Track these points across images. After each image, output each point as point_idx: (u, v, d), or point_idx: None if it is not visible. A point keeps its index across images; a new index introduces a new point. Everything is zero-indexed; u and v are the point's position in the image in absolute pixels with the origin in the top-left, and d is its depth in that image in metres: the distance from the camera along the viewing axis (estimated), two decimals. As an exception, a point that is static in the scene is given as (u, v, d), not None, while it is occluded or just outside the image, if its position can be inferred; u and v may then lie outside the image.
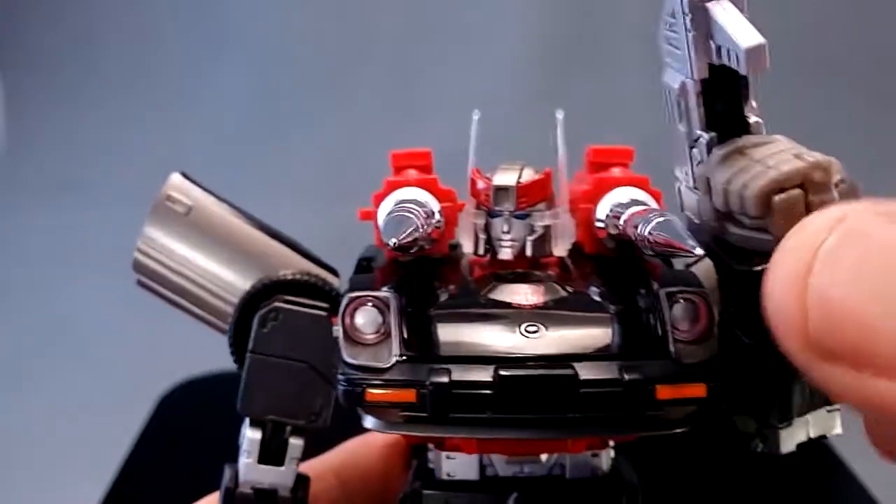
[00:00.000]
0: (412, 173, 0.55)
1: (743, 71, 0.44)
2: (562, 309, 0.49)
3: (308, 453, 0.62)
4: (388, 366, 0.48)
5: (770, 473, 0.91)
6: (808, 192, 0.44)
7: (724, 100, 0.48)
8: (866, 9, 1.75)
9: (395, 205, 0.51)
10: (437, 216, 0.52)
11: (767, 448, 0.50)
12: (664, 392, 0.46)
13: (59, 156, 1.87)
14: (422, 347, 0.48)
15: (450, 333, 0.48)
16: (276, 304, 0.57)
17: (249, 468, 0.57)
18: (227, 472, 0.58)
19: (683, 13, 0.46)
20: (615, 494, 0.54)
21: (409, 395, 0.47)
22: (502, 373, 0.46)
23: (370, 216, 0.53)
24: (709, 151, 0.48)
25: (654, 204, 0.52)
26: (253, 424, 0.58)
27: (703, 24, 0.45)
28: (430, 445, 0.56)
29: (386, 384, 0.48)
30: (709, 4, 0.45)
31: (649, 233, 0.46)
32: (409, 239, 0.47)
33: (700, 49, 0.46)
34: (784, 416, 0.49)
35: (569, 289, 0.51)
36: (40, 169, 1.86)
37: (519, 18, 1.82)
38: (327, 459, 0.68)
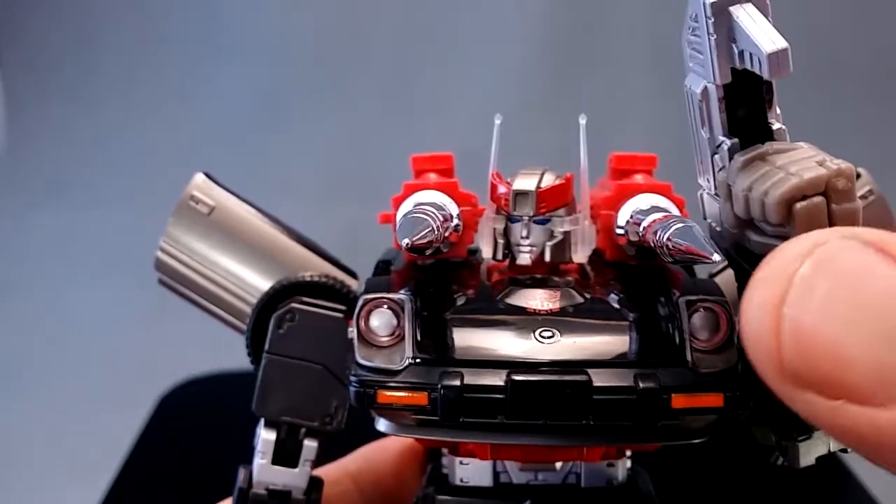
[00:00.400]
0: (432, 177, 0.55)
1: (766, 76, 0.44)
2: (578, 315, 0.49)
3: (326, 458, 0.62)
4: (400, 368, 0.48)
5: (782, 485, 0.91)
6: (831, 200, 0.43)
7: (747, 105, 0.47)
8: (873, 11, 1.74)
9: (413, 207, 0.51)
10: (456, 220, 0.52)
11: (787, 461, 0.50)
12: (679, 401, 0.46)
13: (59, 156, 1.87)
14: (435, 350, 0.48)
15: (464, 337, 0.48)
16: (293, 304, 0.57)
17: (263, 469, 0.57)
18: (241, 473, 0.58)
19: (706, 17, 0.45)
20: None
21: (420, 398, 0.47)
22: (515, 377, 0.46)
23: (389, 219, 0.53)
24: (731, 158, 0.47)
25: (675, 211, 0.51)
26: (268, 425, 0.58)
27: (725, 28, 0.45)
28: (444, 451, 0.56)
29: (398, 386, 0.47)
30: (732, 8, 0.45)
31: (668, 239, 0.46)
32: (424, 240, 0.47)
33: (723, 53, 0.45)
34: (803, 429, 0.48)
35: (586, 295, 0.51)
36: (40, 169, 1.86)
37: (521, 19, 1.82)
38: (344, 464, 0.68)
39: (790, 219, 0.43)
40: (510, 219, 0.53)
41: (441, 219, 0.49)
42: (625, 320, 0.49)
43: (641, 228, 0.49)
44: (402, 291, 0.50)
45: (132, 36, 1.93)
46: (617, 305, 0.50)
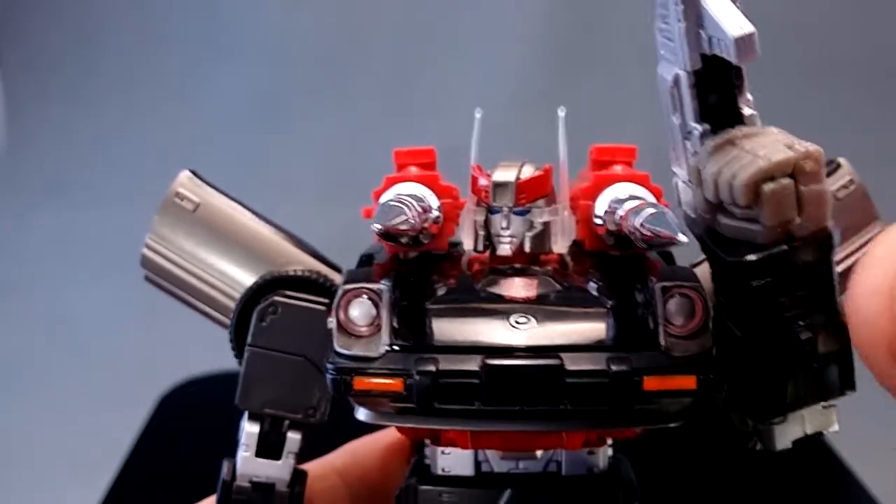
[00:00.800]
0: (413, 170, 0.56)
1: (733, 60, 0.44)
2: (553, 302, 0.50)
3: (312, 455, 0.63)
4: (377, 355, 0.49)
5: (769, 473, 0.91)
6: (799, 182, 0.44)
7: (718, 92, 0.48)
8: (872, 9, 1.74)
9: (392, 196, 0.51)
10: (436, 211, 0.53)
11: (763, 445, 0.50)
12: (651, 383, 0.46)
13: (59, 155, 1.87)
14: (412, 338, 0.49)
15: (441, 325, 0.49)
16: (275, 298, 0.57)
17: (247, 461, 0.58)
18: (225, 466, 0.58)
19: (675, 4, 0.46)
20: (611, 492, 0.53)
21: (396, 384, 0.47)
22: (489, 362, 0.46)
23: (371, 214, 0.53)
24: (702, 143, 0.48)
25: (652, 199, 0.52)
26: (251, 418, 0.58)
27: (693, 15, 0.45)
28: (427, 441, 0.56)
29: (374, 373, 0.48)
30: None
31: (641, 224, 0.47)
32: (397, 226, 0.47)
33: (692, 40, 0.46)
34: (778, 411, 0.48)
35: (564, 283, 0.51)
36: (40, 169, 1.86)
37: (521, 19, 1.82)
38: (330, 459, 0.68)
39: (758, 201, 0.44)
40: (490, 210, 0.53)
41: (420, 209, 0.50)
42: (601, 307, 0.49)
43: (618, 217, 0.50)
44: (381, 282, 0.51)
45: (132, 36, 1.93)
46: (594, 293, 0.51)
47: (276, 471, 0.58)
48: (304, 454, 0.60)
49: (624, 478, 0.55)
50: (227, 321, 0.60)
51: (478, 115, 0.56)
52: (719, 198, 0.46)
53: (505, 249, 0.53)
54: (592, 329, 0.48)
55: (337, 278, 0.59)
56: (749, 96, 0.48)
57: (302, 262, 0.60)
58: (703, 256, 0.53)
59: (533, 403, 0.47)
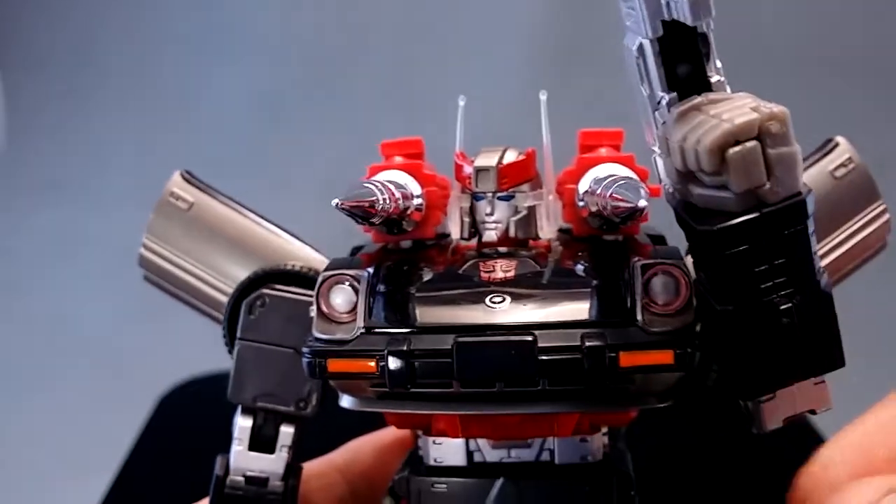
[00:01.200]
0: (398, 160, 0.56)
1: (689, 22, 0.44)
2: (531, 282, 0.49)
3: (313, 455, 0.63)
4: (352, 338, 0.49)
5: (768, 467, 0.91)
6: (766, 144, 0.43)
7: (685, 60, 0.47)
8: (875, 8, 1.74)
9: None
10: (418, 199, 0.53)
11: (755, 426, 0.48)
12: (627, 359, 0.46)
13: (59, 155, 1.87)
14: (387, 320, 0.49)
15: (417, 308, 0.49)
16: (263, 290, 0.58)
17: (240, 456, 0.58)
18: (219, 461, 0.58)
19: None
20: (605, 481, 0.52)
21: (369, 365, 0.47)
22: (460, 340, 0.46)
23: None
24: (670, 112, 0.47)
25: (635, 177, 0.51)
26: (244, 412, 0.58)
27: None
28: (419, 432, 0.56)
29: (347, 354, 0.48)
30: None
31: (610, 196, 0.47)
32: (358, 203, 0.47)
33: (651, 6, 0.45)
34: (765, 388, 0.47)
35: (545, 265, 0.51)
36: (40, 168, 1.86)
37: (521, 19, 1.82)
38: (331, 458, 0.68)
39: (724, 166, 0.43)
40: (475, 196, 0.53)
41: (398, 195, 0.50)
42: (580, 287, 0.49)
43: (596, 196, 0.49)
44: (364, 269, 0.51)
45: (132, 36, 1.93)
46: (575, 274, 0.50)
47: (270, 465, 0.58)
48: (304, 452, 0.60)
49: (618, 467, 0.54)
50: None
51: (461, 103, 0.56)
52: (688, 166, 0.45)
53: (490, 236, 0.53)
54: (569, 308, 0.48)
55: None
56: (718, 63, 0.47)
57: (297, 259, 0.60)
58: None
59: (509, 383, 0.46)
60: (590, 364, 0.45)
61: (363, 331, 0.49)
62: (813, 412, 0.48)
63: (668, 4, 0.44)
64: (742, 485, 0.90)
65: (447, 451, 0.54)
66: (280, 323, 0.57)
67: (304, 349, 0.49)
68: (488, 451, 0.53)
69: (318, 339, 0.49)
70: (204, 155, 1.65)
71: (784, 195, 0.44)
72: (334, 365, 0.48)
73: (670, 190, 0.49)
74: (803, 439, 0.98)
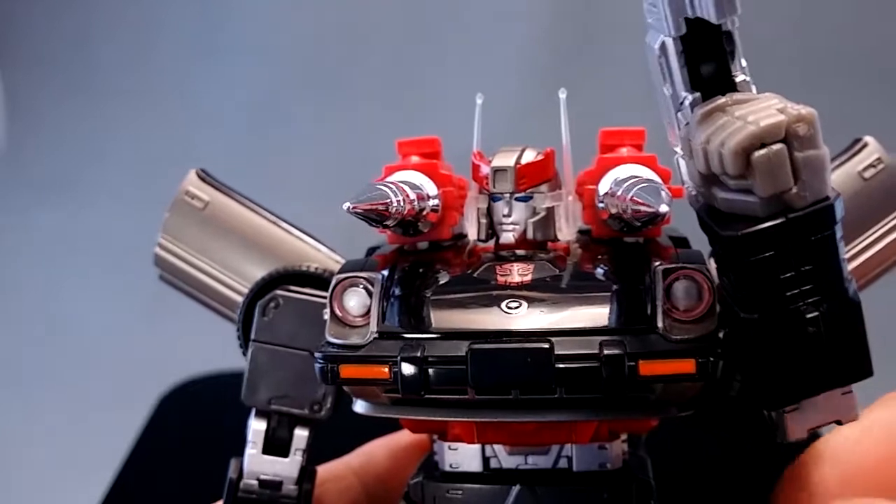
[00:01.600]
0: (414, 159, 0.55)
1: (713, 19, 0.42)
2: (549, 286, 0.48)
3: (329, 454, 0.62)
4: (365, 343, 0.48)
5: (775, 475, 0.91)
6: (793, 147, 0.42)
7: (710, 59, 0.46)
8: (878, 7, 1.74)
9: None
10: (434, 200, 0.52)
11: (778, 436, 0.47)
12: (647, 367, 0.44)
13: (59, 154, 1.87)
14: (401, 325, 0.48)
15: (432, 313, 0.48)
16: (277, 292, 0.57)
17: (254, 459, 0.57)
18: (232, 464, 0.58)
19: None
20: (624, 489, 0.51)
21: (382, 371, 0.46)
22: (475, 347, 0.45)
23: None
24: (693, 113, 0.46)
25: (657, 180, 0.50)
26: (258, 415, 0.58)
27: None
28: (435, 437, 0.55)
29: (360, 360, 0.47)
30: None
31: (631, 199, 0.45)
32: (369, 206, 0.46)
33: (674, 3, 0.43)
34: (789, 398, 0.46)
35: (563, 268, 0.50)
36: (40, 168, 1.86)
37: (522, 19, 1.82)
38: (347, 460, 0.68)
39: (750, 170, 0.42)
40: (492, 197, 0.52)
41: (413, 196, 0.49)
42: (599, 291, 0.48)
43: (617, 198, 0.48)
44: (378, 272, 0.50)
45: (132, 35, 1.93)
46: (594, 278, 0.49)
47: (284, 468, 0.57)
48: (319, 454, 0.59)
49: (638, 475, 0.53)
50: None
51: (479, 101, 0.55)
52: (711, 169, 0.44)
53: (508, 237, 0.52)
54: (587, 313, 0.46)
55: None
56: (743, 62, 0.46)
57: (313, 260, 0.60)
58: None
59: (524, 390, 0.45)
60: (608, 373, 0.44)
61: (376, 336, 0.48)
62: (839, 423, 0.47)
63: (691, 2, 0.43)
64: (761, 491, 0.90)
65: (463, 456, 0.53)
66: (294, 325, 0.57)
67: (317, 354, 0.48)
68: (505, 458, 0.52)
69: (330, 344, 0.49)
70: (204, 154, 1.64)
71: (811, 200, 0.43)
72: (347, 371, 0.47)
73: (693, 193, 0.47)
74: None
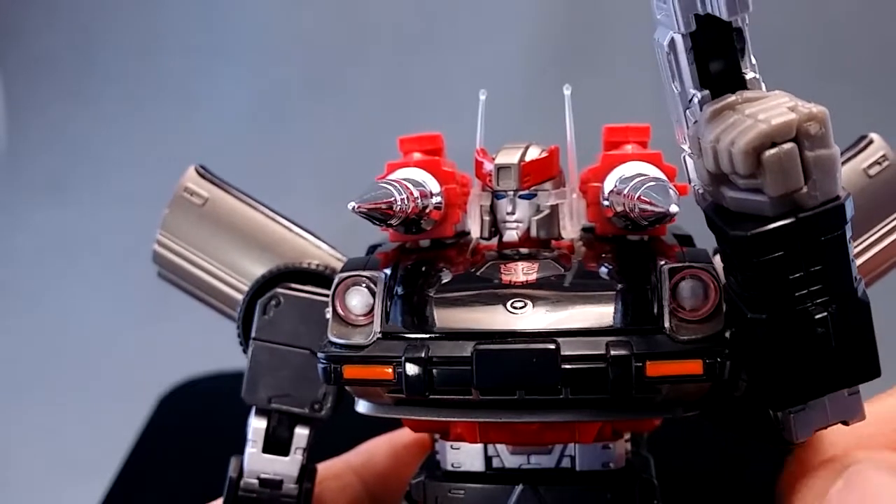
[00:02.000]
0: (416, 156, 0.54)
1: (724, 16, 0.42)
2: (554, 286, 0.48)
3: (330, 452, 0.62)
4: (368, 343, 0.47)
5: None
6: (804, 147, 0.41)
7: (719, 56, 0.45)
8: (882, 8, 1.73)
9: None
10: (437, 197, 0.51)
11: (783, 436, 0.47)
12: (654, 368, 0.44)
13: (59, 155, 1.86)
14: (404, 325, 0.47)
15: (436, 312, 0.47)
16: (278, 290, 0.57)
17: (254, 458, 0.57)
18: (232, 463, 0.57)
19: None
20: (627, 489, 0.51)
21: (386, 372, 0.46)
22: (480, 347, 0.45)
23: None
24: (702, 111, 0.45)
25: (662, 177, 0.49)
26: (258, 413, 0.57)
27: None
28: (437, 436, 0.54)
29: (363, 361, 0.47)
30: None
31: (639, 198, 0.45)
32: (374, 205, 0.46)
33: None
34: (796, 399, 0.45)
35: (568, 267, 0.49)
36: (40, 168, 1.86)
37: (522, 18, 1.82)
38: (347, 458, 0.68)
39: (760, 169, 0.41)
40: (496, 195, 0.52)
41: (416, 194, 0.48)
42: (605, 291, 0.47)
43: (623, 196, 0.47)
44: (381, 270, 0.49)
45: (132, 36, 1.92)
46: (600, 277, 0.49)
47: (284, 467, 0.57)
48: (319, 451, 0.59)
49: (641, 474, 0.52)
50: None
51: (482, 97, 0.54)
52: (720, 168, 0.43)
53: (511, 235, 0.52)
54: (593, 313, 0.46)
55: None
56: (753, 59, 0.45)
57: (313, 256, 0.60)
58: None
59: (529, 391, 0.45)
60: (615, 374, 0.44)
61: (380, 335, 0.47)
62: (845, 423, 0.47)
63: None
64: (765, 491, 0.89)
65: (465, 456, 0.52)
66: (295, 323, 0.56)
67: (320, 354, 0.48)
68: (507, 457, 0.52)
69: (333, 344, 0.48)
70: (204, 154, 1.64)
71: (822, 200, 0.42)
72: (350, 371, 0.47)
73: (700, 191, 0.47)
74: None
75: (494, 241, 0.53)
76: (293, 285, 0.57)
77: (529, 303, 0.47)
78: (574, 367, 0.44)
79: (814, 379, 0.45)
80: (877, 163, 0.58)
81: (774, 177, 0.41)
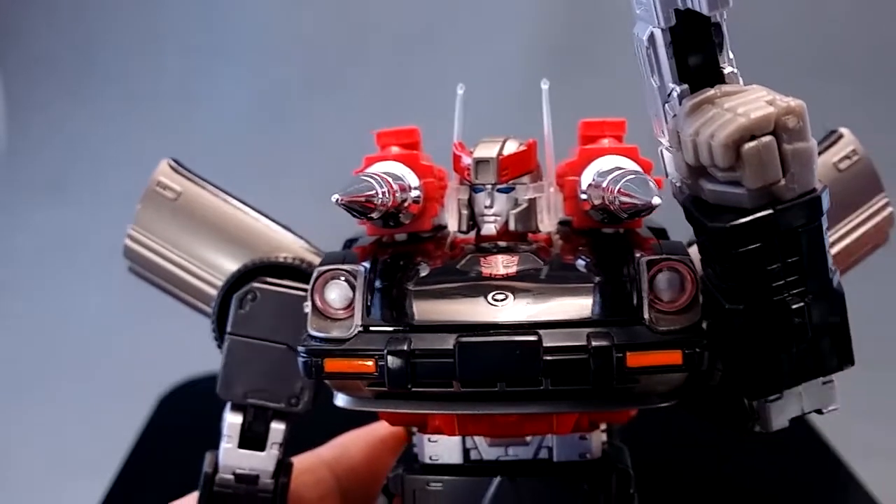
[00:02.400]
0: (394, 150, 0.55)
1: (704, 11, 0.42)
2: (534, 278, 0.48)
3: (303, 445, 0.61)
4: (349, 336, 0.47)
5: (767, 471, 0.91)
6: (782, 140, 0.42)
7: (698, 51, 0.45)
8: (879, 7, 1.73)
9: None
10: (416, 191, 0.51)
11: (759, 425, 0.47)
12: (634, 359, 0.45)
13: (59, 155, 1.86)
14: (385, 318, 0.47)
15: (417, 305, 0.47)
16: (254, 284, 0.56)
17: (230, 453, 0.57)
18: (207, 458, 0.57)
19: None
20: (604, 478, 0.51)
21: (368, 365, 0.46)
22: (462, 340, 0.45)
23: None
24: (681, 105, 0.45)
25: (641, 171, 0.49)
26: (233, 408, 0.57)
27: None
28: (414, 429, 0.54)
29: (345, 354, 0.47)
30: None
31: (619, 191, 0.45)
32: (358, 199, 0.46)
33: None
34: (772, 388, 0.46)
35: (547, 260, 0.49)
36: (40, 168, 1.86)
37: (522, 18, 1.82)
38: (319, 452, 0.67)
39: (739, 162, 0.42)
40: (474, 189, 0.52)
41: (396, 187, 0.48)
42: (584, 283, 0.47)
43: (601, 190, 0.48)
44: (360, 264, 0.49)
45: (132, 36, 1.92)
46: (579, 269, 0.49)
47: (260, 462, 0.56)
48: (293, 444, 0.58)
49: (617, 464, 0.53)
50: (211, 310, 0.58)
51: (460, 91, 0.54)
52: (700, 161, 0.44)
53: (490, 229, 0.52)
54: (574, 305, 0.46)
55: None
56: (730, 54, 0.46)
57: (288, 250, 0.59)
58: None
59: (511, 382, 0.45)
60: (596, 365, 0.44)
61: (361, 329, 0.47)
62: (819, 412, 0.47)
63: None
64: (742, 482, 0.89)
65: (443, 448, 0.52)
66: (272, 318, 0.56)
67: (300, 348, 0.48)
68: (485, 449, 0.52)
69: (313, 338, 0.48)
70: (204, 154, 1.64)
71: (799, 192, 0.43)
72: (332, 365, 0.47)
73: (678, 184, 0.47)
74: (805, 438, 0.98)
75: (472, 234, 0.53)
76: (269, 279, 0.57)
77: (510, 295, 0.47)
78: (556, 358, 0.45)
79: (790, 368, 0.45)
80: (847, 157, 0.58)
81: (753, 169, 0.42)
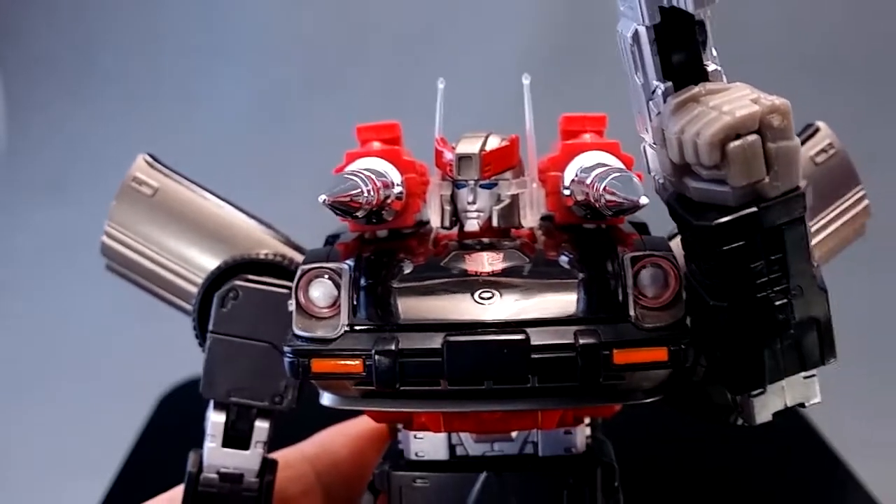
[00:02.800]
0: (376, 145, 0.54)
1: (689, 9, 0.42)
2: (520, 276, 0.48)
3: (284, 443, 0.61)
4: (335, 336, 0.47)
5: (765, 469, 0.91)
6: (766, 138, 0.42)
7: (681, 48, 0.45)
8: (875, 6, 1.73)
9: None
10: (398, 187, 0.51)
11: (743, 419, 0.48)
12: (621, 356, 0.45)
13: (59, 155, 1.86)
14: (372, 317, 0.47)
15: (403, 303, 0.47)
16: (236, 282, 0.56)
17: (213, 452, 0.57)
18: (191, 457, 0.57)
19: None
20: (589, 472, 0.52)
21: (356, 365, 0.46)
22: (451, 339, 0.45)
23: None
24: (665, 102, 0.45)
25: (621, 166, 0.49)
26: (217, 407, 0.57)
27: None
28: (399, 426, 0.54)
29: (332, 354, 0.46)
30: None
31: (604, 189, 0.45)
32: (344, 198, 0.46)
33: None
34: (756, 383, 0.46)
35: (532, 256, 0.49)
36: (40, 168, 1.85)
37: (522, 18, 1.82)
38: (301, 448, 0.67)
39: (724, 160, 0.42)
40: (456, 184, 0.52)
41: (379, 184, 0.48)
42: (570, 279, 0.47)
43: (584, 185, 0.48)
44: (344, 262, 0.49)
45: (132, 36, 1.92)
46: (564, 266, 0.49)
47: (245, 461, 0.56)
48: (278, 444, 0.58)
49: (602, 458, 0.53)
50: (190, 308, 0.58)
51: (441, 86, 0.54)
52: (684, 159, 0.44)
53: (472, 225, 0.52)
54: (560, 302, 0.46)
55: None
56: (714, 52, 0.46)
57: (269, 246, 0.58)
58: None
59: (499, 381, 0.45)
60: (583, 362, 0.45)
61: (347, 328, 0.47)
62: (802, 406, 0.48)
63: None
64: (727, 476, 0.89)
65: (429, 445, 0.52)
66: (254, 316, 0.55)
67: (286, 349, 0.48)
68: (471, 445, 0.52)
69: (299, 338, 0.48)
70: (204, 154, 1.65)
71: (783, 190, 0.43)
72: (318, 365, 0.47)
73: (661, 181, 0.47)
74: (802, 435, 0.98)
75: (455, 230, 0.53)
76: (251, 277, 0.56)
77: (497, 293, 0.47)
78: (543, 356, 0.45)
79: (773, 364, 0.46)
80: (823, 150, 0.59)
81: (738, 168, 0.42)
